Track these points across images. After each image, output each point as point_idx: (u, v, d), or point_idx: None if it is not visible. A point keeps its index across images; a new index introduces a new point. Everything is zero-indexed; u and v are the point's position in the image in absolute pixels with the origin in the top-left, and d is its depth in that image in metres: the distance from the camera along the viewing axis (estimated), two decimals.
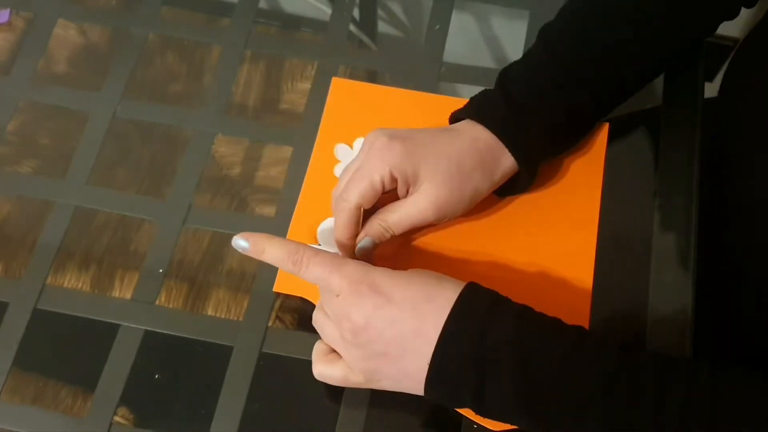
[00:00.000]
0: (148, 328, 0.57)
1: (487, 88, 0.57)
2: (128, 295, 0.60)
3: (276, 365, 0.56)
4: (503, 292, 0.49)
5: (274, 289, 0.58)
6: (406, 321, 0.47)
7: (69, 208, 0.62)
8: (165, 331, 0.57)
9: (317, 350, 0.53)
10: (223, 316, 0.59)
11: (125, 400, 0.55)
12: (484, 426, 0.52)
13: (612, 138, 0.62)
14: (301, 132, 0.64)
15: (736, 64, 0.66)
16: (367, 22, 0.81)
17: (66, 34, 0.75)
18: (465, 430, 0.53)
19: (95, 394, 0.55)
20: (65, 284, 0.61)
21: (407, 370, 0.48)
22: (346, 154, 0.62)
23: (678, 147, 0.61)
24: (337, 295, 0.49)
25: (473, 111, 0.56)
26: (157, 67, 0.72)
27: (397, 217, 0.54)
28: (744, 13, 0.61)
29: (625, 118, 0.67)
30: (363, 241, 0.54)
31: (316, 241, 0.59)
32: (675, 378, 0.44)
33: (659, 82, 0.64)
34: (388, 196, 0.55)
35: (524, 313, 0.47)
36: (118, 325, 0.58)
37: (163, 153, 0.68)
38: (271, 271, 0.58)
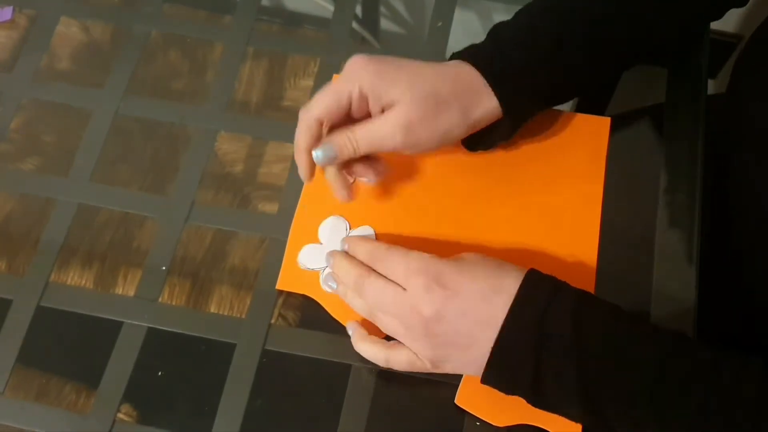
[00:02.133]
0: (151, 326, 0.58)
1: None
2: (131, 293, 0.60)
3: (279, 362, 0.56)
4: None
5: (277, 287, 0.58)
6: (478, 312, 0.48)
7: (72, 206, 0.62)
8: (168, 329, 0.58)
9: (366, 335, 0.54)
10: (225, 314, 0.60)
11: (128, 396, 0.56)
12: (487, 422, 0.53)
13: (614, 135, 0.62)
14: None
15: (743, 61, 0.65)
16: (370, 19, 0.81)
17: (68, 32, 0.75)
18: (467, 429, 0.53)
19: (98, 390, 0.56)
20: (68, 281, 0.61)
21: (474, 358, 0.49)
22: None
23: (681, 143, 0.61)
24: (405, 290, 0.50)
25: (462, 54, 0.55)
26: (159, 64, 0.72)
27: (364, 131, 0.52)
28: (748, 9, 0.60)
29: (628, 114, 0.67)
30: (323, 146, 0.53)
31: (317, 239, 0.59)
32: (724, 368, 0.45)
33: (662, 79, 0.64)
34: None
35: (583, 297, 0.49)
36: (121, 323, 0.58)
37: (165, 150, 0.68)
38: (274, 268, 0.58)
